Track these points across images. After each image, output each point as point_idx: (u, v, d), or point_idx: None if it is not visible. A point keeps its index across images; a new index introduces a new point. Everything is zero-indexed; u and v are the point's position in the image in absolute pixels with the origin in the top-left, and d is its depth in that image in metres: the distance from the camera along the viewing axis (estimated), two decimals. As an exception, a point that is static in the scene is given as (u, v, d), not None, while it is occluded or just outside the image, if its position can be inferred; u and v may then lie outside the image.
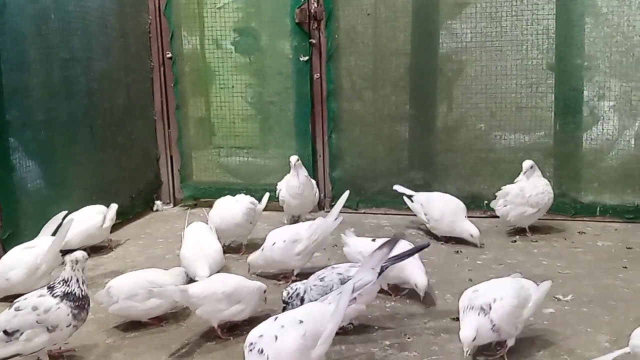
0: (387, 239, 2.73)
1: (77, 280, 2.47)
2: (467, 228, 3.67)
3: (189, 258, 3.16)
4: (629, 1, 3.91)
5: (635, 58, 3.97)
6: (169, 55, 4.64)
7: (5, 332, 2.38)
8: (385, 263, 2.62)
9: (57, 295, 2.43)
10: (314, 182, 4.16)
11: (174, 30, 4.62)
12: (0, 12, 3.38)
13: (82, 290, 2.47)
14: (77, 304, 2.44)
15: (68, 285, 2.45)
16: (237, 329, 2.75)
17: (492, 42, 4.17)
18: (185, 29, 4.70)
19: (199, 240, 3.29)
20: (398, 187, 4.05)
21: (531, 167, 3.81)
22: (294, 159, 3.98)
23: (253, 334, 2.17)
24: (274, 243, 3.22)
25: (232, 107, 4.73)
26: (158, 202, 4.79)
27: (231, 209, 3.69)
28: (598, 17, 4.00)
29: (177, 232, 3.51)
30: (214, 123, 4.84)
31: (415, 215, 4.01)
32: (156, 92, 4.70)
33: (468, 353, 2.31)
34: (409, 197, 3.98)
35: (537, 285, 2.55)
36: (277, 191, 4.10)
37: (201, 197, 4.77)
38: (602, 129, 4.13)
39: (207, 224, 3.56)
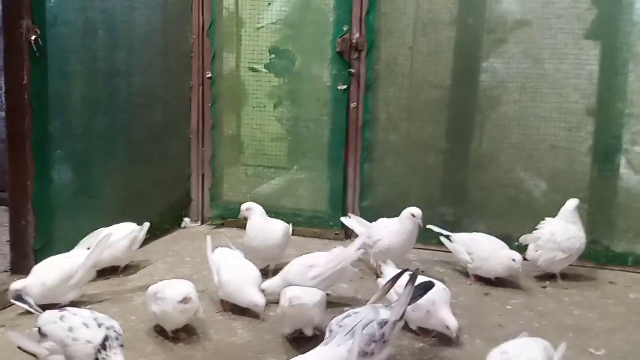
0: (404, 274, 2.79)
1: None
2: (509, 254, 3.66)
3: (235, 284, 3.16)
4: (675, 52, 3.89)
5: (676, 109, 3.94)
6: (209, 76, 4.69)
7: (40, 331, 2.46)
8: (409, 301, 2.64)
9: (99, 343, 2.38)
10: None
11: (216, 51, 4.67)
12: (51, 24, 3.42)
13: None
14: None
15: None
16: None
17: (533, 84, 4.16)
18: (225, 50, 4.74)
19: (239, 266, 3.30)
20: (433, 227, 4.00)
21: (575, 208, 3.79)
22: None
23: None
24: (293, 265, 3.28)
25: (266, 129, 4.75)
26: (187, 220, 4.81)
27: (272, 229, 3.72)
28: (643, 66, 3.98)
29: (204, 251, 3.52)
30: (245, 144, 4.84)
31: (446, 252, 3.99)
32: (193, 111, 4.74)
33: None
34: (447, 237, 3.94)
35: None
36: (374, 240, 3.76)
37: (229, 217, 4.78)
38: (640, 178, 4.09)
39: (231, 247, 3.56)
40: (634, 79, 3.99)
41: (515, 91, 4.22)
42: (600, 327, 3.20)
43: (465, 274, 3.86)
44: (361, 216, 4.44)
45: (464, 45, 4.33)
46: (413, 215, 3.71)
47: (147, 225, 3.78)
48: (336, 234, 4.56)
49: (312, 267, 3.23)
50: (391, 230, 3.77)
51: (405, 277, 2.77)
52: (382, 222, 3.92)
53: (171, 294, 2.84)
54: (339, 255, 3.29)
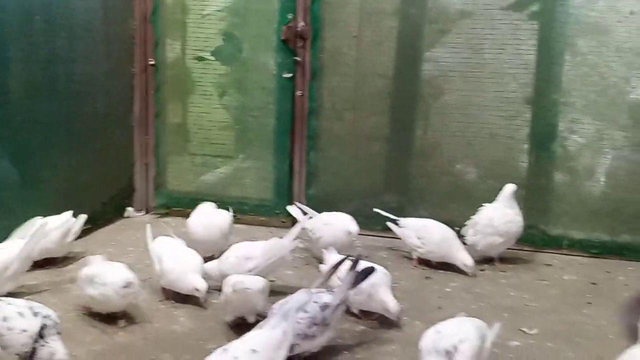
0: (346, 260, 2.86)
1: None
2: (462, 257, 3.71)
3: (177, 272, 3.14)
4: (608, 43, 4.03)
5: (609, 98, 4.09)
6: (152, 62, 4.63)
7: None
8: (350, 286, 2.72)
9: (35, 332, 2.33)
10: None
11: (159, 37, 4.61)
12: (-15, 9, 3.35)
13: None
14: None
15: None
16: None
17: (473, 73, 4.25)
18: (169, 37, 4.69)
19: (180, 253, 3.27)
20: (380, 211, 4.05)
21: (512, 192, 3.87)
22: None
23: None
24: (228, 257, 3.25)
25: (212, 117, 4.72)
26: (129, 209, 4.74)
27: (217, 219, 3.71)
28: (577, 56, 4.11)
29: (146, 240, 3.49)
30: (190, 132, 4.81)
31: (390, 237, 4.07)
32: (136, 99, 4.67)
33: None
34: (394, 221, 3.98)
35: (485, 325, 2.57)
36: (316, 236, 3.80)
37: (174, 206, 4.75)
38: (574, 165, 4.23)
39: (172, 236, 3.51)
40: (569, 69, 4.13)
41: (456, 80, 4.31)
42: (534, 308, 3.32)
43: (409, 258, 3.93)
44: (307, 204, 4.48)
45: (407, 35, 4.39)
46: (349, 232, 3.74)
47: (82, 216, 3.70)
48: (282, 222, 4.57)
49: (248, 259, 3.21)
50: (332, 228, 3.77)
51: (347, 263, 2.84)
52: (324, 217, 3.91)
53: (113, 278, 2.82)
54: (274, 245, 3.27)
